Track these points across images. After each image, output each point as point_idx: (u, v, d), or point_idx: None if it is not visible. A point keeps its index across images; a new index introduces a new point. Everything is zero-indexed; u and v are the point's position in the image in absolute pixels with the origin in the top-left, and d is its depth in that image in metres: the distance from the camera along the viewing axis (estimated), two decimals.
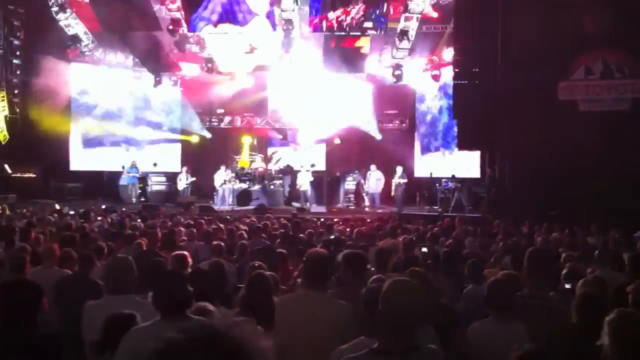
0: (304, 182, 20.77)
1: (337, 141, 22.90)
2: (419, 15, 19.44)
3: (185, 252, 6.80)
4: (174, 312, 3.48)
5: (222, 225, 11.51)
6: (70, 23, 20.99)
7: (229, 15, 20.71)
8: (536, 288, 4.52)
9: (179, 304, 3.53)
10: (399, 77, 21.68)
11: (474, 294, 5.72)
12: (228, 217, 14.79)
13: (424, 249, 7.25)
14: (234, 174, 21.20)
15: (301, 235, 9.99)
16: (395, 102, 23.45)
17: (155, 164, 22.40)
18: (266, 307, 4.17)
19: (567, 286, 5.22)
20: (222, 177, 20.93)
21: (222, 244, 8.07)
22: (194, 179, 21.23)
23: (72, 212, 15.14)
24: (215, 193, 21.10)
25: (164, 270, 4.68)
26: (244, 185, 21.21)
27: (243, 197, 20.53)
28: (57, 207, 16.80)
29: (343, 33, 20.37)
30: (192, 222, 12.47)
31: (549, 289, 4.82)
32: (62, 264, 6.54)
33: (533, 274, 4.57)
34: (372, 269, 5.89)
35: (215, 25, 20.80)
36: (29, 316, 3.73)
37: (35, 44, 21.24)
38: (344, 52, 20.62)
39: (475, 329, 4.30)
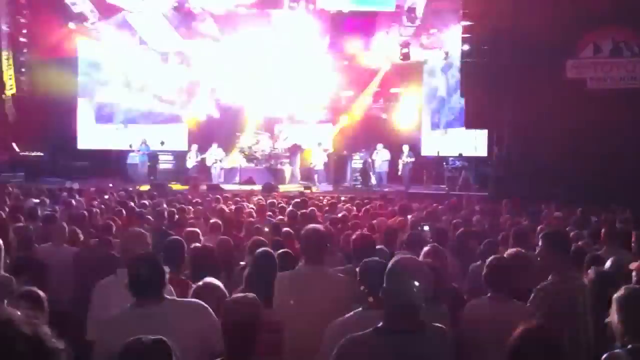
0: (318, 161, 20.81)
1: (345, 120, 22.90)
2: None
3: (197, 229, 6.87)
4: (145, 294, 3.41)
5: (225, 206, 11.53)
6: (76, 1, 20.85)
7: None
8: (565, 269, 4.40)
9: (148, 285, 3.42)
10: (406, 55, 21.50)
11: (480, 272, 5.69)
12: (228, 195, 14.83)
13: (426, 227, 7.25)
14: (241, 153, 21.29)
15: (306, 212, 9.98)
16: (403, 79, 23.29)
17: (162, 143, 22.38)
18: (271, 284, 4.19)
19: None
20: (213, 155, 20.95)
21: (219, 222, 8.07)
22: (204, 156, 21.23)
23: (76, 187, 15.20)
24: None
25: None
26: (251, 164, 21.26)
27: (250, 175, 20.58)
28: (68, 185, 16.88)
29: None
30: (200, 201, 12.51)
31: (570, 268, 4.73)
32: (70, 242, 6.59)
33: (561, 257, 4.44)
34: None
35: None
36: None
37: (41, 22, 21.17)
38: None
39: (471, 307, 4.26)
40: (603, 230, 6.88)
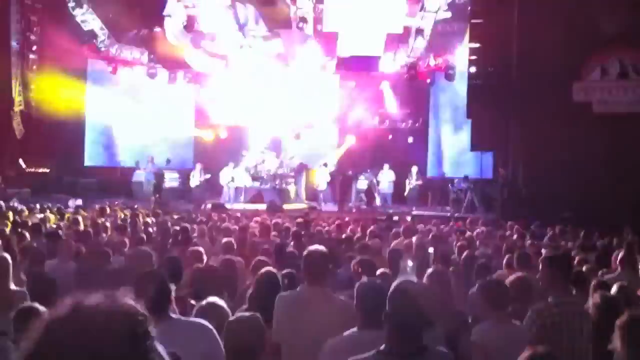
0: (321, 181, 20.83)
1: (351, 140, 22.93)
2: (435, 14, 19.24)
3: (201, 248, 6.87)
4: (151, 312, 3.39)
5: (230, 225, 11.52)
6: (87, 18, 21.01)
7: None
8: (563, 292, 4.41)
9: (154, 303, 3.36)
10: (413, 77, 21.60)
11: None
12: (233, 214, 14.83)
13: (430, 250, 7.23)
14: (247, 172, 21.27)
15: (310, 232, 9.98)
16: (409, 101, 23.34)
17: (168, 161, 22.45)
18: (274, 304, 4.18)
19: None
20: (229, 174, 20.90)
21: (233, 241, 8.08)
22: (208, 175, 21.19)
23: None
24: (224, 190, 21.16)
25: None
26: (256, 184, 21.27)
27: (255, 195, 20.60)
28: (70, 204, 16.90)
29: None
30: (205, 220, 12.51)
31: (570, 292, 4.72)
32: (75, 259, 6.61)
33: (557, 279, 4.43)
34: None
35: None
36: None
37: (51, 39, 21.36)
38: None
39: (478, 332, 4.23)
40: (621, 254, 6.74)
